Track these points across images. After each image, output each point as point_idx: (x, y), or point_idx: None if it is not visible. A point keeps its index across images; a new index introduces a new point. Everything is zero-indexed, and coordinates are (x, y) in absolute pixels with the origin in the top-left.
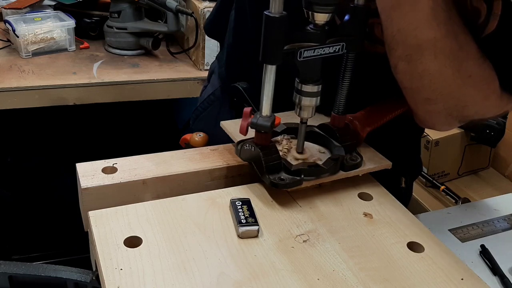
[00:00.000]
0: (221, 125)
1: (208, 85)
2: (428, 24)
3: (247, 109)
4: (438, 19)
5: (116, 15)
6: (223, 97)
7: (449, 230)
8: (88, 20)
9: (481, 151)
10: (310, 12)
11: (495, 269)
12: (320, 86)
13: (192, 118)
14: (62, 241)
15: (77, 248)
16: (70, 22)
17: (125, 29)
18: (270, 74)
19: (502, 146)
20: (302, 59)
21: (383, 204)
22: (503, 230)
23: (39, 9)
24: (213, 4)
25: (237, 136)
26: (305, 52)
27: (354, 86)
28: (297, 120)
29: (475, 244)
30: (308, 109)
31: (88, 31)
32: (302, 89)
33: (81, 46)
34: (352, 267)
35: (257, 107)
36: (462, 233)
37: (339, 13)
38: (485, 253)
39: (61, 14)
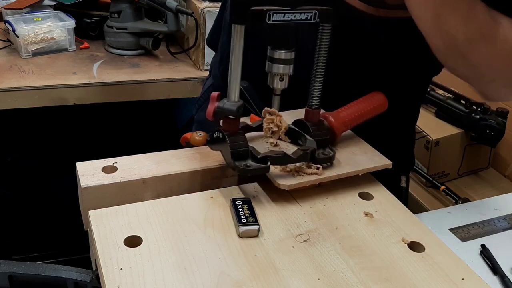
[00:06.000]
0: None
1: (210, 77)
2: (468, 18)
3: (214, 94)
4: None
5: (116, 15)
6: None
7: (450, 229)
8: (88, 20)
9: (481, 151)
10: None
11: (495, 268)
12: (293, 53)
13: (195, 109)
14: (62, 241)
15: (77, 247)
16: (70, 22)
17: (125, 29)
18: (238, 38)
19: (502, 146)
20: (271, 22)
21: (384, 203)
22: (504, 230)
23: (39, 9)
24: (213, 4)
25: None
26: (275, 15)
27: (335, 83)
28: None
29: (476, 244)
30: (281, 78)
31: (88, 31)
32: (274, 56)
33: (81, 46)
34: (352, 267)
35: (257, 106)
36: (463, 233)
37: None
38: (485, 253)
39: (61, 14)
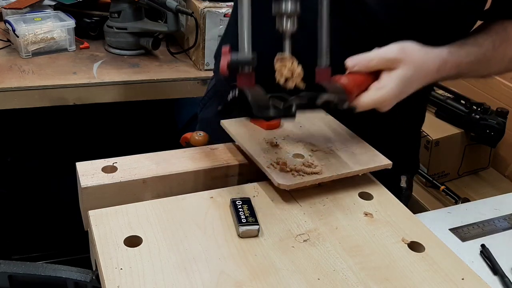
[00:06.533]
0: (221, 123)
1: (214, 77)
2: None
3: (225, 48)
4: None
5: (116, 15)
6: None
7: (450, 229)
8: (88, 20)
9: (481, 151)
10: None
11: (495, 268)
12: None
13: (199, 107)
14: (62, 241)
15: (77, 247)
16: (70, 22)
17: (125, 29)
18: None
19: (502, 146)
20: None
21: (384, 203)
22: (504, 230)
23: (39, 9)
24: (213, 4)
25: (238, 136)
26: None
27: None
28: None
29: (476, 244)
30: (289, 16)
31: (88, 31)
32: None
33: (81, 46)
34: (352, 267)
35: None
36: (463, 233)
37: None
38: (485, 253)
39: (61, 14)
